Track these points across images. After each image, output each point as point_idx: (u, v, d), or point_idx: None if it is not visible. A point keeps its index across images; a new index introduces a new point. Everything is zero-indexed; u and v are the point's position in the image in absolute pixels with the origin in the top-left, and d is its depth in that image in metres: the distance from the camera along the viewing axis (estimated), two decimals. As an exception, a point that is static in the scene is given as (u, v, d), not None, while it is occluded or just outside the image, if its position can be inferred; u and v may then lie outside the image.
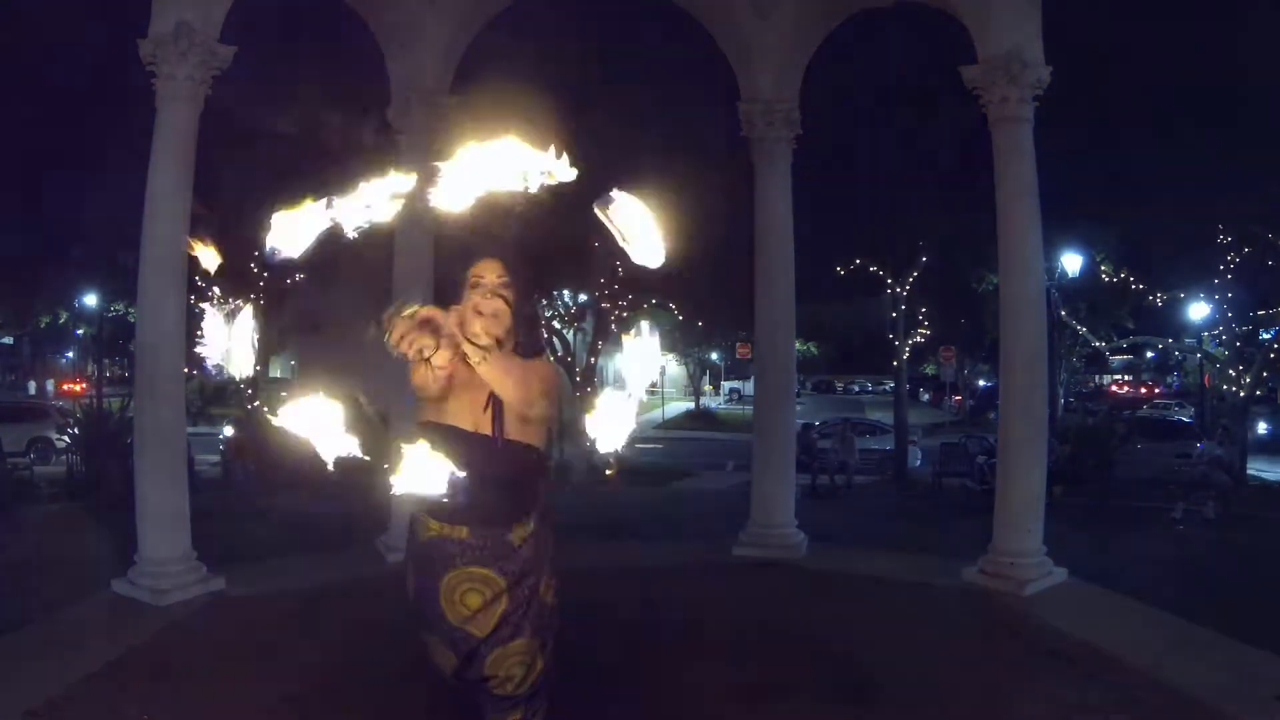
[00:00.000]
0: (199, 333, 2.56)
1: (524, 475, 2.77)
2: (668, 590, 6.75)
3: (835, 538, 9.15)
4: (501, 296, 2.69)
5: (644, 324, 2.45)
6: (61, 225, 17.77)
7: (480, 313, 2.65)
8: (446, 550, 2.69)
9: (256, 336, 2.46)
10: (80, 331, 36.83)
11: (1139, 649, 5.21)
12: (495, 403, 2.68)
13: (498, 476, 2.66)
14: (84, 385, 22.27)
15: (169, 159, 6.20)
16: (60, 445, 16.56)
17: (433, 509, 2.66)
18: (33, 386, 40.14)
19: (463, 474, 2.42)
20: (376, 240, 2.49)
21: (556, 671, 2.93)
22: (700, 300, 19.57)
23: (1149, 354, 49.76)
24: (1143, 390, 51.21)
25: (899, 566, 7.47)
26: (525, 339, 2.77)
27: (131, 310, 18.38)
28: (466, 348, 2.51)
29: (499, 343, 2.67)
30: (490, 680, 2.75)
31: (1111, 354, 34.97)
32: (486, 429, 2.69)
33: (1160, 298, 19.32)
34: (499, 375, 2.57)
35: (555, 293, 18.84)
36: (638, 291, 18.34)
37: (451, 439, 2.60)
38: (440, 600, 2.69)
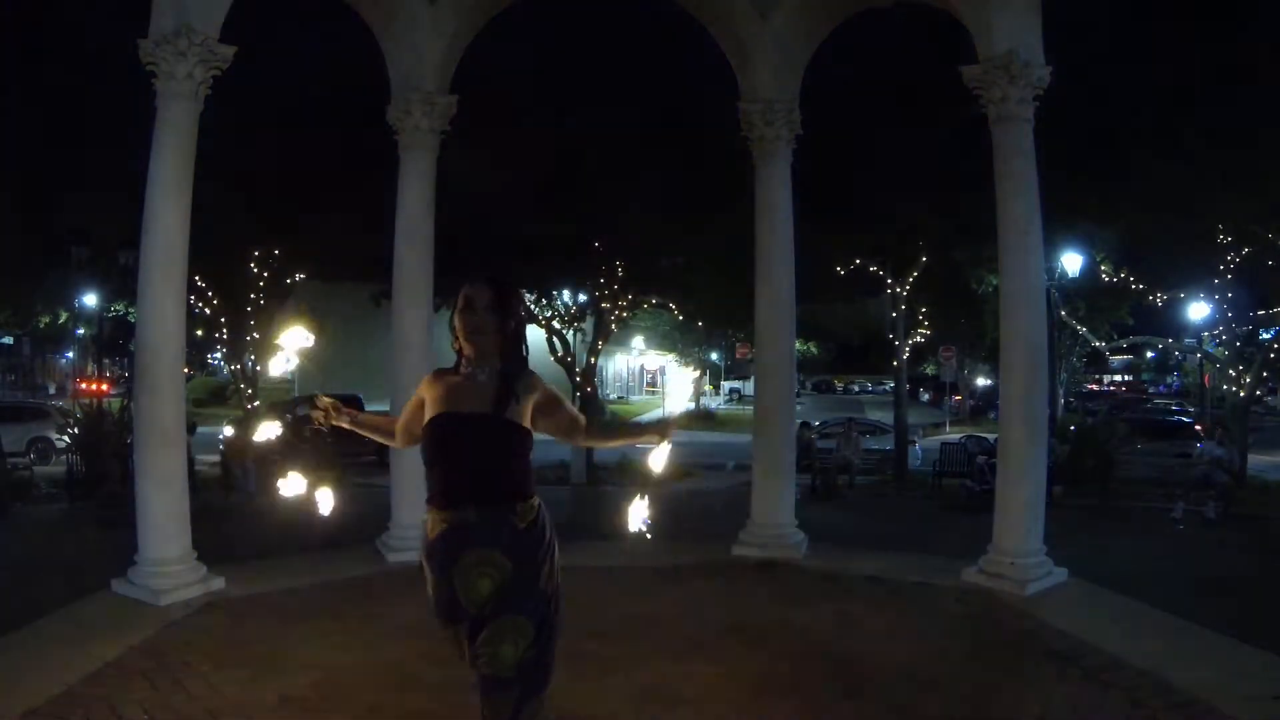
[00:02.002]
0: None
1: (518, 453, 2.98)
2: (668, 590, 6.75)
3: (835, 538, 9.15)
4: (489, 313, 2.98)
5: None
6: (62, 225, 17.80)
7: (471, 328, 2.97)
8: (458, 537, 2.84)
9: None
10: (80, 331, 36.88)
11: (1139, 649, 5.21)
12: (499, 391, 2.95)
13: (490, 453, 2.91)
14: (107, 385, 22.32)
15: (169, 158, 6.21)
16: (60, 445, 16.56)
17: (435, 500, 2.90)
18: (52, 387, 40.22)
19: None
20: None
21: (553, 664, 2.94)
22: (700, 300, 19.55)
23: (1149, 354, 49.87)
24: (1117, 388, 51.52)
25: (899, 566, 7.47)
26: (510, 358, 3.03)
27: (131, 310, 18.40)
28: None
29: (482, 359, 2.99)
30: (479, 657, 2.80)
31: (1111, 354, 35.00)
32: (486, 409, 2.92)
33: (1160, 298, 19.28)
34: (503, 388, 2.98)
35: (555, 293, 18.80)
36: (638, 291, 18.33)
37: (445, 423, 2.93)
38: (458, 591, 2.82)
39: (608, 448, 3.22)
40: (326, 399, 3.12)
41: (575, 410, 3.15)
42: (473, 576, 2.80)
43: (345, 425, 3.17)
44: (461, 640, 2.89)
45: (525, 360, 3.12)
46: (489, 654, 2.79)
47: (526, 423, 2.97)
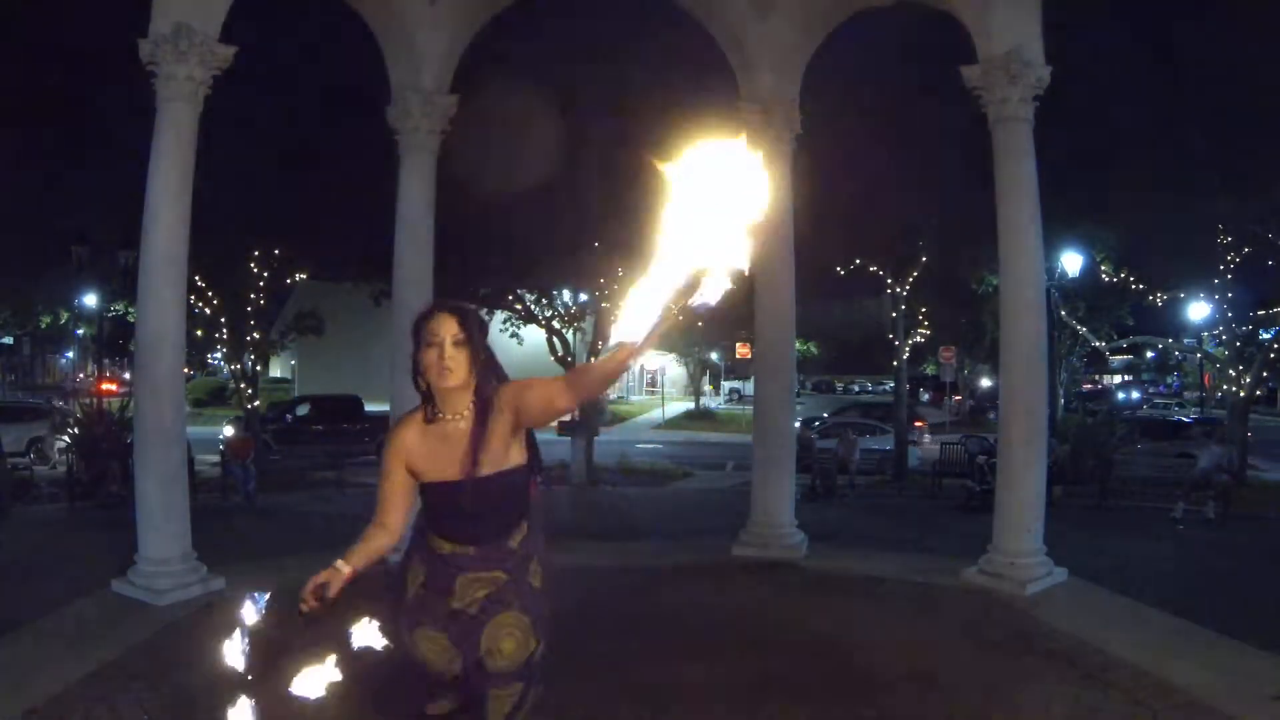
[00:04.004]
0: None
1: (513, 493, 2.95)
2: (668, 590, 6.75)
3: (835, 538, 9.16)
4: (460, 348, 2.81)
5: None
6: (62, 225, 17.80)
7: (439, 367, 2.79)
8: (459, 562, 2.90)
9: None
10: (80, 331, 36.90)
11: (1139, 649, 5.21)
12: (473, 446, 2.83)
13: (490, 506, 2.88)
14: (115, 384, 22.79)
15: (169, 159, 6.20)
16: (60, 445, 16.57)
17: (442, 533, 2.92)
18: (66, 386, 40.32)
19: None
20: None
21: (550, 658, 3.02)
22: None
23: (1149, 354, 49.85)
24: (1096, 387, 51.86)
25: (899, 566, 7.47)
26: (483, 381, 2.86)
27: (131, 310, 18.38)
28: None
29: (457, 399, 2.85)
30: (485, 657, 2.87)
31: (1111, 354, 35.01)
32: (469, 472, 2.83)
33: (1160, 298, 19.29)
34: (479, 437, 2.84)
35: (555, 293, 18.80)
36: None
37: (439, 492, 2.87)
38: (453, 597, 2.89)
39: (601, 386, 2.94)
40: (310, 587, 2.91)
41: (549, 382, 2.84)
42: (472, 589, 2.88)
43: (338, 590, 2.93)
44: (438, 639, 2.90)
45: (497, 384, 2.90)
46: (492, 649, 2.88)
47: (513, 459, 2.88)
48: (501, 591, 2.90)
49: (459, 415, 2.85)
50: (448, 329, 2.80)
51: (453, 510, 2.86)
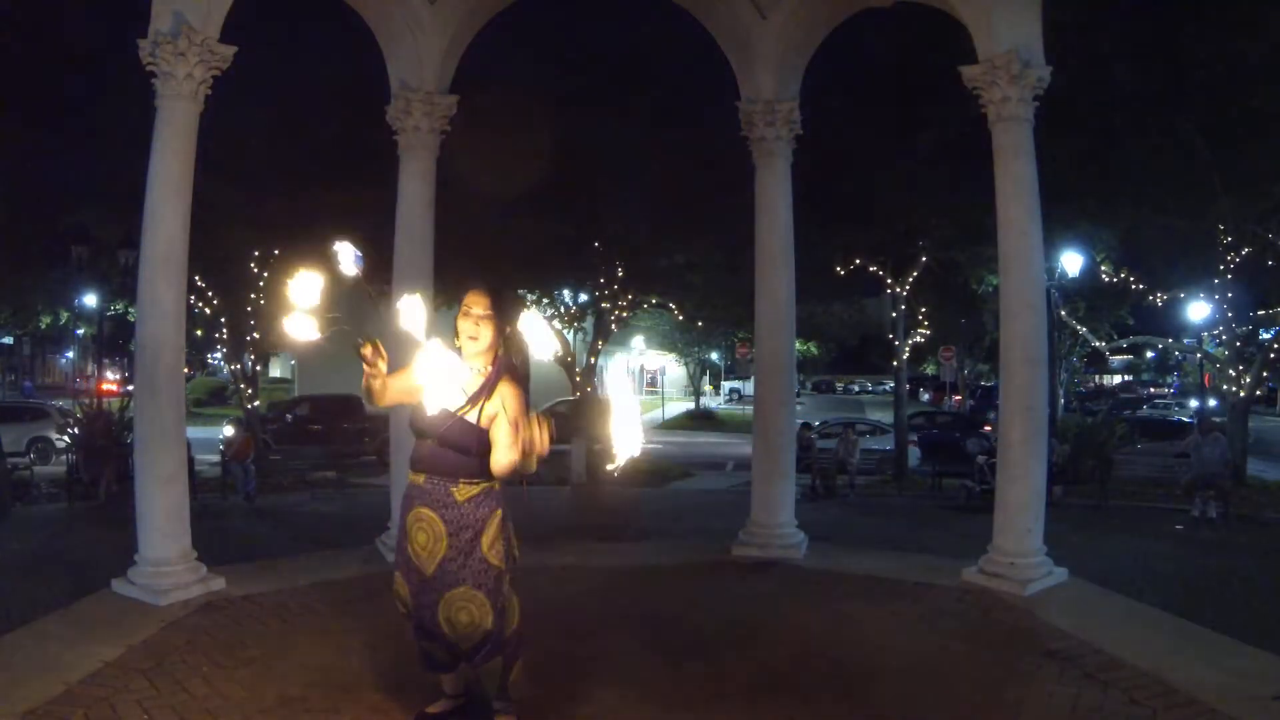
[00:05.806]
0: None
1: (472, 447, 3.46)
2: (668, 590, 6.75)
3: (835, 538, 9.15)
4: (484, 323, 3.47)
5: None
6: (62, 225, 17.80)
7: (466, 333, 3.49)
8: (412, 493, 3.54)
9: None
10: (80, 331, 36.90)
11: (1139, 649, 5.21)
12: (480, 391, 3.48)
13: (449, 441, 3.45)
14: (118, 385, 22.98)
15: (169, 158, 6.19)
16: (60, 445, 16.59)
17: (410, 464, 3.56)
18: (80, 383, 40.39)
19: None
20: None
21: (521, 632, 3.72)
22: (700, 300, 19.55)
23: (1149, 354, 49.80)
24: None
25: (899, 566, 7.46)
26: (498, 365, 3.49)
27: (131, 310, 18.38)
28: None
29: (474, 359, 3.51)
30: (446, 627, 3.44)
31: (1111, 354, 35.02)
32: (451, 406, 3.42)
33: (1160, 298, 19.29)
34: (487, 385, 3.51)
35: (555, 293, 18.80)
36: (638, 291, 18.32)
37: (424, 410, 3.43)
38: (406, 533, 3.53)
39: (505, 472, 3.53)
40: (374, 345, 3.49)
41: (511, 441, 3.35)
42: (415, 529, 3.49)
43: (375, 366, 3.48)
44: (401, 580, 3.58)
45: (516, 366, 3.49)
46: (448, 624, 3.42)
47: (484, 424, 3.45)
48: (450, 558, 3.41)
49: (472, 369, 3.49)
50: (481, 303, 3.46)
51: (422, 433, 3.48)
